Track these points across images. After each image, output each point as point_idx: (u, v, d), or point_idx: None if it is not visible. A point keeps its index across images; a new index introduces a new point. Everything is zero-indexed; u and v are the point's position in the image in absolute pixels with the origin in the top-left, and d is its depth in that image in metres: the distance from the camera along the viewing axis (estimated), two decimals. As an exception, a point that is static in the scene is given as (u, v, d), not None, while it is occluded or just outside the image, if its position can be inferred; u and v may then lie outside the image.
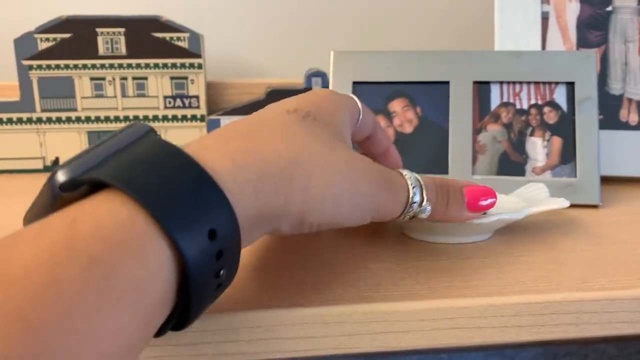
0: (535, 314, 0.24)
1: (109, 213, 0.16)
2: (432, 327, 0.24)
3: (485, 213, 0.29)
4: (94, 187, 0.17)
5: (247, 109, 0.49)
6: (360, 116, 0.27)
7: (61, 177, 0.18)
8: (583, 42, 0.45)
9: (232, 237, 0.18)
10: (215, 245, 0.17)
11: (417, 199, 0.24)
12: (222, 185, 0.18)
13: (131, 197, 0.16)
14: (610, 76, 0.44)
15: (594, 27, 0.45)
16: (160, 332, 0.19)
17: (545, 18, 0.45)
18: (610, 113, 0.44)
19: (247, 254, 0.29)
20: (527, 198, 0.32)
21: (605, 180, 0.41)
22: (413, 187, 0.24)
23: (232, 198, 0.18)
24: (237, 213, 0.18)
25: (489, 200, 0.26)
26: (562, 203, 0.29)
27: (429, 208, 0.25)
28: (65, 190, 0.18)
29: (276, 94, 0.49)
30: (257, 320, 0.23)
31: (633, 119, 0.43)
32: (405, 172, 0.25)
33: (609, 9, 0.45)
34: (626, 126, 0.43)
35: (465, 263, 0.27)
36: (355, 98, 0.27)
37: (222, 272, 0.18)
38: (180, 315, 0.18)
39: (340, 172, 0.21)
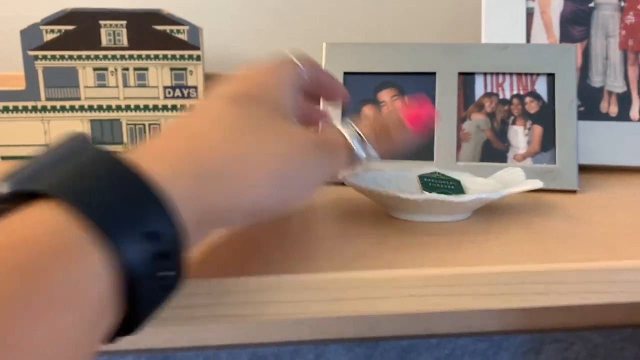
0: (507, 284, 0.26)
1: (41, 221, 0.16)
2: (408, 293, 0.25)
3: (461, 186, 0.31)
4: (31, 198, 0.17)
5: (244, 99, 0.51)
6: (306, 73, 0.27)
7: (2, 189, 0.18)
8: (566, 37, 0.47)
9: (174, 238, 0.18)
10: (156, 247, 0.17)
11: (358, 147, 0.26)
12: (162, 188, 0.18)
13: (65, 204, 0.16)
14: (592, 69, 0.46)
15: (577, 22, 0.47)
16: (113, 337, 0.19)
17: (530, 13, 0.47)
18: (591, 105, 0.45)
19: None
20: (504, 181, 0.34)
21: (585, 169, 0.43)
22: (352, 138, 0.25)
23: (173, 200, 0.18)
24: (180, 214, 0.18)
25: (426, 110, 0.27)
26: (536, 184, 0.31)
27: (373, 152, 0.26)
28: (4, 203, 0.17)
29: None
30: (250, 284, 0.24)
31: (613, 110, 0.45)
32: (343, 125, 0.26)
33: (591, 5, 0.47)
34: (606, 117, 0.45)
35: (444, 239, 0.29)
36: (293, 57, 0.27)
37: (168, 273, 0.18)
38: (130, 319, 0.18)
39: (281, 154, 0.22)
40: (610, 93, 0.46)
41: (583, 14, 0.47)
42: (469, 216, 0.32)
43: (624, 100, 0.45)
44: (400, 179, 0.35)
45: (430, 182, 0.33)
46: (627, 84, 0.45)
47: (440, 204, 0.30)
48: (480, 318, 0.64)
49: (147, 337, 0.61)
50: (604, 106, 0.45)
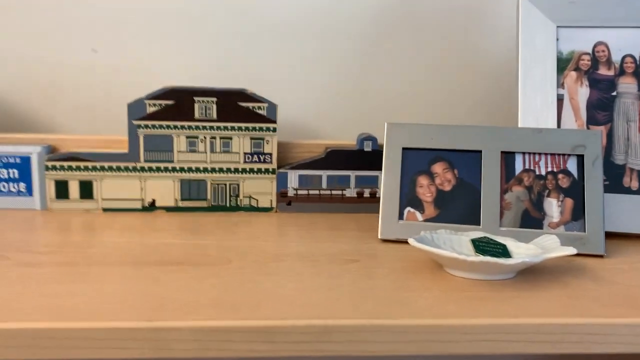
0: (549, 333, 0.33)
1: None
2: (471, 339, 0.32)
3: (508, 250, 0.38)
4: None
5: (310, 164, 0.59)
6: None
7: None
8: (592, 120, 0.54)
9: None
10: None
11: None
12: None
13: None
14: (615, 149, 0.53)
15: (601, 108, 0.54)
16: None
17: (560, 99, 0.55)
18: (615, 179, 0.53)
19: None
20: (543, 246, 0.41)
21: (610, 236, 0.50)
22: None
23: None
24: None
25: None
26: (571, 250, 0.38)
27: None
28: None
29: (333, 153, 0.59)
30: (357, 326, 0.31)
31: (634, 184, 0.52)
32: None
33: (614, 93, 0.54)
34: (629, 191, 0.52)
35: (497, 294, 0.36)
36: None
37: None
38: None
39: None
40: (632, 170, 0.53)
41: (607, 101, 0.54)
42: (514, 276, 0.39)
43: (644, 177, 0.52)
44: (454, 240, 0.42)
45: (481, 245, 0.40)
46: (647, 163, 0.53)
47: (493, 266, 0.37)
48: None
49: None
50: (626, 181, 0.52)
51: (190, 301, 0.33)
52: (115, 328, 0.30)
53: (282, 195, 0.59)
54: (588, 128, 0.54)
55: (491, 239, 0.42)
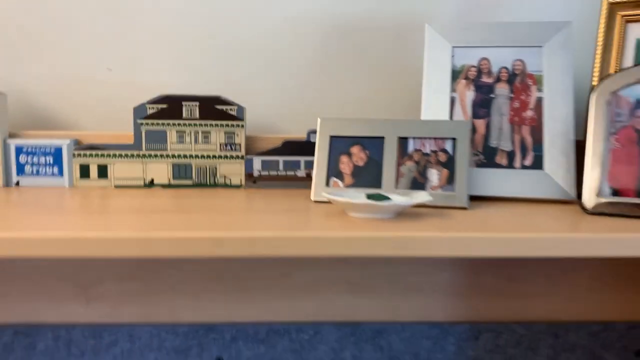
0: (401, 243, 0.51)
1: None
2: (346, 245, 0.50)
3: (390, 199, 0.56)
4: None
5: (270, 152, 0.78)
6: None
7: None
8: (476, 115, 0.73)
9: None
10: None
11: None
12: None
13: None
14: (491, 136, 0.72)
15: (483, 106, 0.73)
16: None
17: (453, 100, 0.74)
18: (490, 158, 0.71)
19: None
20: (414, 197, 0.59)
21: (485, 198, 0.68)
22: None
23: None
24: None
25: None
26: (427, 197, 0.57)
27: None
28: None
29: (288, 144, 0.78)
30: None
31: (504, 161, 0.71)
32: None
33: (492, 95, 0.73)
34: (500, 166, 0.71)
35: (373, 223, 0.54)
36: None
37: None
38: None
39: None
40: (502, 151, 0.71)
41: (487, 101, 0.73)
42: (394, 216, 0.58)
43: (511, 155, 0.71)
44: (357, 196, 0.61)
45: (373, 197, 0.59)
46: (513, 145, 0.71)
47: (372, 206, 0.55)
48: (433, 310, 0.87)
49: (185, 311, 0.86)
50: (498, 159, 0.71)
51: (172, 224, 0.52)
52: (119, 238, 0.49)
53: (249, 175, 0.78)
54: (473, 122, 0.73)
55: (381, 194, 0.60)
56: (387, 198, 0.59)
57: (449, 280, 0.87)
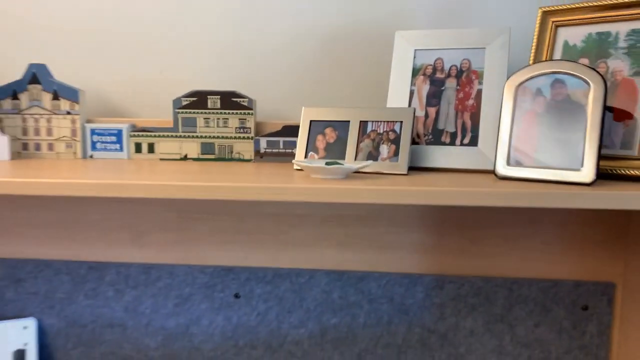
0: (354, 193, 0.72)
1: None
2: (297, 193, 0.72)
3: (342, 164, 0.78)
4: None
5: (273, 134, 1.01)
6: None
7: None
8: (429, 104, 0.92)
9: None
10: None
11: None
12: None
13: None
14: (440, 120, 0.91)
15: (435, 97, 0.92)
16: None
17: (412, 92, 0.93)
18: (437, 137, 0.90)
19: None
20: (362, 165, 0.80)
21: (430, 169, 0.88)
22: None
23: None
24: None
25: None
26: (368, 163, 0.77)
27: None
28: None
29: (286, 128, 1.01)
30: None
31: (447, 140, 0.89)
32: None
33: (443, 88, 0.92)
34: (444, 144, 0.89)
35: (328, 182, 0.76)
36: None
37: None
38: None
39: None
40: (447, 132, 0.90)
41: (438, 92, 0.92)
42: (345, 177, 0.78)
43: (453, 136, 0.89)
44: (319, 163, 0.82)
45: (328, 163, 0.80)
46: (456, 128, 0.90)
47: (323, 169, 0.77)
48: (404, 263, 1.06)
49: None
50: (443, 138, 0.90)
51: (199, 179, 0.77)
52: (162, 184, 0.73)
53: (257, 152, 1.02)
54: (426, 109, 0.92)
55: (336, 161, 0.82)
56: (338, 164, 0.80)
57: (418, 239, 1.06)
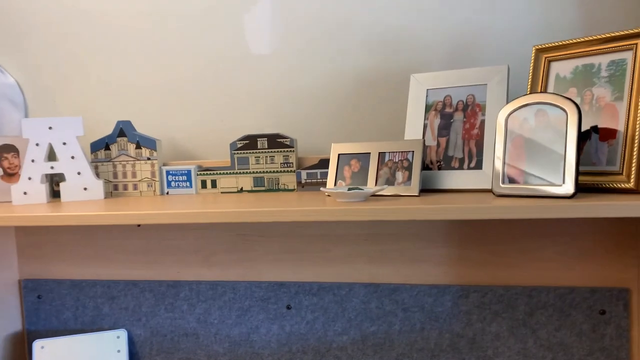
0: (371, 210, 0.89)
1: None
2: (327, 215, 0.90)
3: (362, 189, 0.95)
4: None
5: (312, 167, 1.19)
6: None
7: None
8: (440, 135, 1.07)
9: None
10: None
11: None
12: None
13: None
14: (450, 149, 1.06)
15: (445, 129, 1.07)
16: None
17: (425, 125, 1.09)
18: (448, 163, 1.05)
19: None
20: (375, 188, 0.96)
21: (442, 191, 1.02)
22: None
23: None
24: None
25: None
26: (384, 188, 0.94)
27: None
28: None
29: (323, 161, 1.19)
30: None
31: (456, 165, 1.04)
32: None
33: (452, 120, 1.07)
34: (453, 168, 1.04)
35: (351, 205, 0.93)
36: None
37: None
38: None
39: None
40: (456, 158, 1.04)
41: (448, 124, 1.07)
42: (365, 199, 0.95)
43: (461, 161, 1.04)
44: (343, 189, 1.00)
45: (350, 189, 0.97)
46: (463, 154, 1.04)
47: (347, 194, 0.94)
48: (433, 275, 1.19)
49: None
50: (452, 164, 1.04)
51: (254, 205, 0.96)
52: (224, 211, 0.94)
53: (299, 183, 1.21)
54: (438, 139, 1.07)
55: (358, 187, 0.98)
56: (359, 189, 0.97)
57: (444, 253, 1.19)
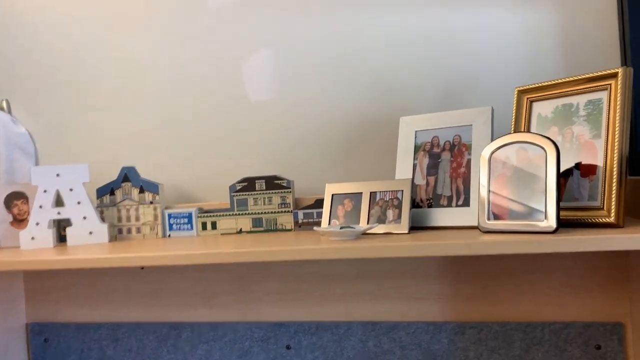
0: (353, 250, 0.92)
1: None
2: (313, 254, 0.93)
3: (353, 228, 0.98)
4: None
5: (308, 207, 1.23)
6: None
7: None
8: (429, 174, 1.11)
9: None
10: None
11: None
12: None
13: None
14: (438, 186, 1.09)
15: (434, 167, 1.11)
16: None
17: (415, 165, 1.13)
18: (437, 201, 1.08)
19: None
20: (364, 227, 1.00)
21: (433, 228, 1.05)
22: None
23: None
24: None
25: None
26: (376, 226, 0.97)
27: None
28: None
29: (319, 201, 1.23)
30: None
31: (445, 202, 1.07)
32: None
33: (439, 160, 1.11)
34: (442, 206, 1.07)
35: (343, 244, 0.96)
36: None
37: None
38: None
39: None
40: (444, 196, 1.08)
41: (436, 164, 1.11)
42: (356, 238, 0.98)
43: (450, 199, 1.07)
44: (335, 228, 1.03)
45: (341, 227, 1.01)
46: (451, 192, 1.08)
47: (338, 232, 0.97)
48: (429, 313, 1.21)
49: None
50: (441, 201, 1.08)
51: (257, 244, 1.00)
52: (223, 252, 0.97)
53: (296, 223, 1.24)
54: (427, 178, 1.11)
55: (350, 225, 1.02)
56: (351, 227, 1.01)
57: (439, 290, 1.21)
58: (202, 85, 1.40)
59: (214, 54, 1.40)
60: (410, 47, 1.28)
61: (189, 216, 1.31)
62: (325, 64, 1.33)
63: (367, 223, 1.07)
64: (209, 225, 1.30)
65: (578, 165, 0.98)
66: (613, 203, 0.90)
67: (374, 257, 0.91)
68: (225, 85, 1.39)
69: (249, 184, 1.27)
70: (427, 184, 1.12)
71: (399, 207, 1.05)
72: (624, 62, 1.15)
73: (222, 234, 1.29)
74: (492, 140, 1.07)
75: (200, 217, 1.30)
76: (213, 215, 1.29)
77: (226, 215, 1.29)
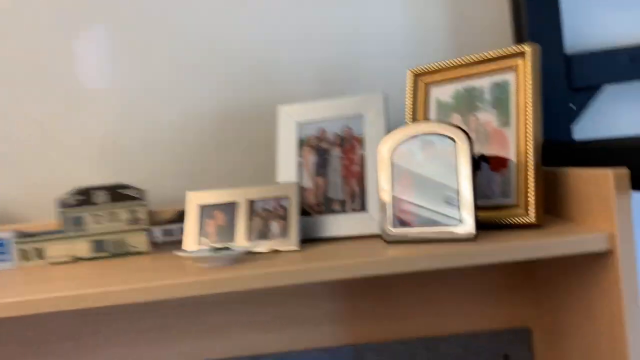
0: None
1: None
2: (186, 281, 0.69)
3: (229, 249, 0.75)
4: None
5: (168, 222, 0.97)
6: None
7: None
8: (317, 173, 0.92)
9: None
10: None
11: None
12: None
13: None
14: (330, 189, 0.91)
15: (322, 166, 0.92)
16: None
17: (300, 164, 0.93)
18: (328, 207, 0.90)
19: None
20: (250, 247, 0.78)
21: (324, 239, 0.86)
22: None
23: None
24: None
25: None
26: (250, 245, 0.75)
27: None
28: None
29: (179, 214, 0.98)
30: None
31: (337, 208, 0.89)
32: None
33: (328, 157, 0.92)
34: (333, 211, 0.89)
35: (221, 272, 0.73)
36: None
37: None
38: None
39: None
40: (337, 200, 0.90)
41: (325, 161, 0.92)
42: (232, 262, 0.76)
43: (343, 203, 0.89)
44: (204, 253, 0.79)
45: (216, 249, 0.78)
46: (345, 195, 0.90)
47: (209, 258, 0.74)
48: (322, 335, 1.03)
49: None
50: (334, 206, 0.89)
51: (100, 280, 0.71)
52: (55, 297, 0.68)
53: (153, 243, 0.98)
54: (315, 179, 0.92)
55: (226, 245, 0.79)
56: (226, 249, 0.78)
57: (333, 310, 1.03)
58: (10, 70, 1.07)
59: (23, 29, 1.06)
60: (287, 26, 1.08)
61: (2, 243, 0.97)
62: (187, 45, 1.07)
63: (249, 239, 0.85)
64: (32, 254, 0.97)
65: (486, 158, 0.85)
66: (530, 200, 0.78)
67: (259, 288, 0.70)
68: (45, 70, 1.07)
69: (85, 196, 0.98)
70: (317, 186, 0.92)
71: (284, 217, 0.84)
72: (518, 41, 1.06)
73: (51, 264, 0.97)
74: (388, 132, 0.91)
75: (19, 243, 0.97)
76: (38, 240, 0.97)
77: (56, 238, 0.97)
